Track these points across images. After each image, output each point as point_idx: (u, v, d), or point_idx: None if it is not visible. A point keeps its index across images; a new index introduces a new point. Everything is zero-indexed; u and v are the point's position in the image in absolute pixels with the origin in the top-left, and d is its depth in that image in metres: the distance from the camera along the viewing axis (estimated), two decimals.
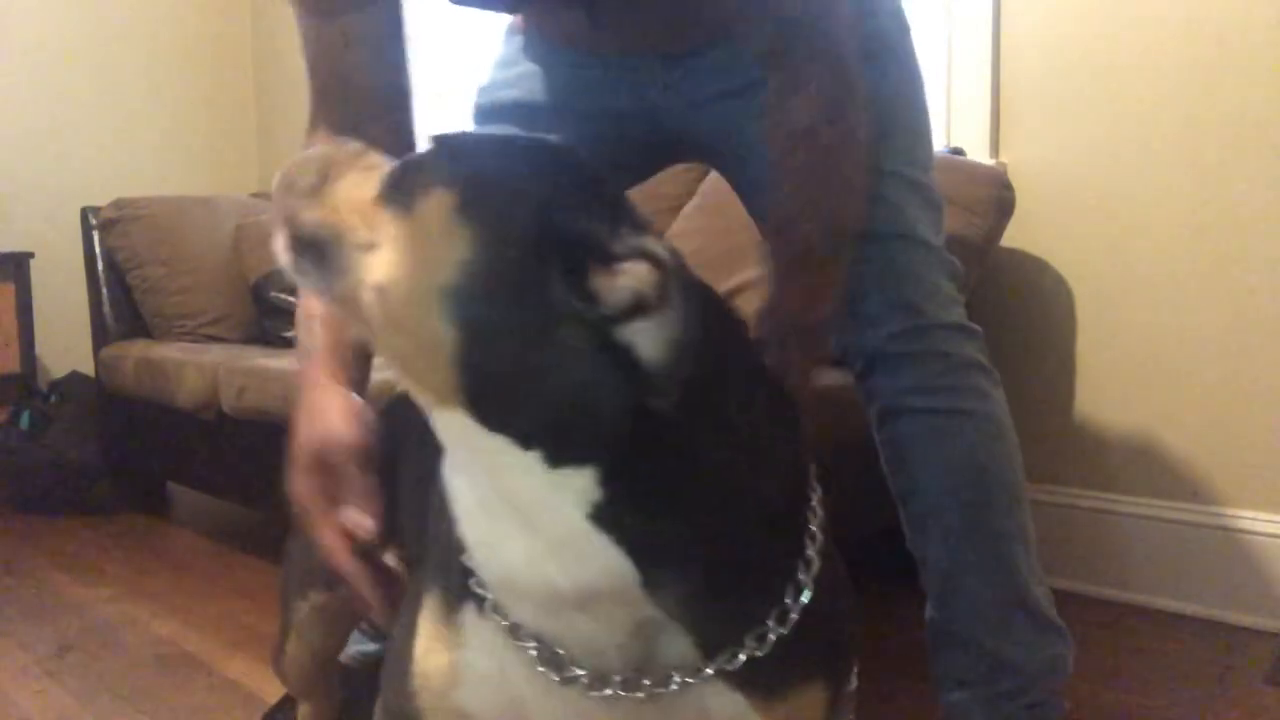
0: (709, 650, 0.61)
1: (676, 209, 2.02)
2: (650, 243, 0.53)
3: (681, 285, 0.52)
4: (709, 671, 0.61)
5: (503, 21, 1.22)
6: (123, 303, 2.74)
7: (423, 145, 0.63)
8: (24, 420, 2.67)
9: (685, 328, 0.52)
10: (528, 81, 1.12)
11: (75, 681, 1.54)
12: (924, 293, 0.98)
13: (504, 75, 1.15)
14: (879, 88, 0.93)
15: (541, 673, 0.62)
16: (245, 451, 2.05)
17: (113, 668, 1.59)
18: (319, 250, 0.61)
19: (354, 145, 0.67)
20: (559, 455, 0.54)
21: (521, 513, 0.57)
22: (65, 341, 3.04)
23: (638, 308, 0.51)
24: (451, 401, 0.56)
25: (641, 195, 1.95)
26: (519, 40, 1.15)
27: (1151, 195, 1.74)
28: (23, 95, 3.22)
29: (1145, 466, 1.77)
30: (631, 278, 0.51)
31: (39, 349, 2.96)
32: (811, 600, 0.63)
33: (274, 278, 2.62)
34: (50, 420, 2.68)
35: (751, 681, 0.63)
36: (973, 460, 0.98)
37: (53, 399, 2.73)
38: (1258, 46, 1.62)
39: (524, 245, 0.54)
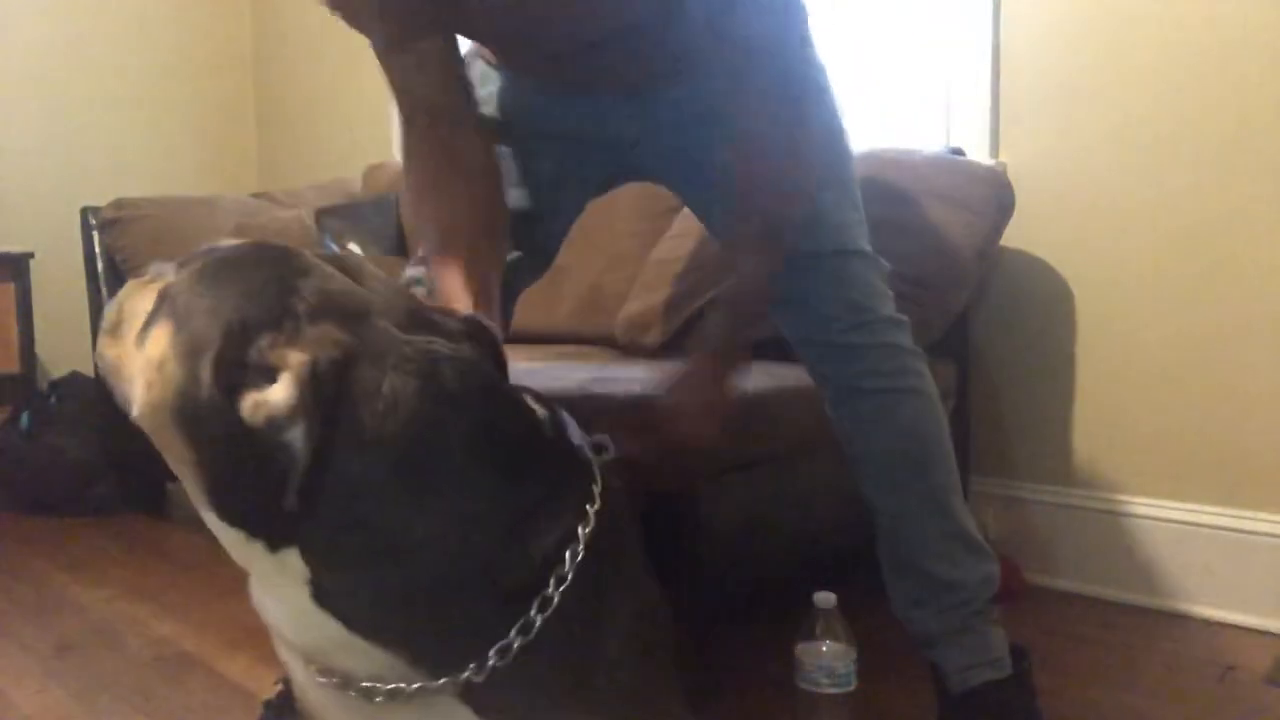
0: (435, 673, 0.68)
1: (677, 208, 2.02)
2: (297, 357, 0.61)
3: (325, 394, 0.61)
4: (435, 684, 0.68)
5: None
6: None
7: None
8: (24, 420, 2.67)
9: (312, 440, 0.60)
10: (500, 100, 1.25)
11: (75, 681, 1.53)
12: (867, 293, 1.16)
13: (477, 94, 1.25)
14: (825, 125, 1.17)
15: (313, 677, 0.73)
16: None
17: (113, 668, 1.59)
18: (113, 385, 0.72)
19: (154, 270, 0.74)
20: (271, 541, 0.65)
21: (269, 590, 0.69)
22: (65, 341, 3.03)
23: (278, 422, 0.61)
24: (205, 506, 0.66)
25: (641, 195, 1.96)
26: (480, 64, 1.26)
27: (1151, 195, 1.74)
28: (23, 95, 3.22)
29: (1145, 466, 1.77)
30: (268, 397, 0.61)
31: (39, 349, 2.96)
32: (561, 637, 0.68)
33: None
34: (50, 420, 2.67)
35: (483, 701, 0.69)
36: (915, 429, 1.17)
37: (53, 399, 2.72)
38: (1258, 47, 1.62)
39: (210, 367, 0.63)
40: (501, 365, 0.82)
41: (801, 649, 1.18)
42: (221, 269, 0.68)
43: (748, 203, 1.05)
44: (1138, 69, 1.74)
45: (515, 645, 0.67)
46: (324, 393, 0.62)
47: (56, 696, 1.48)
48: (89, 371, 2.76)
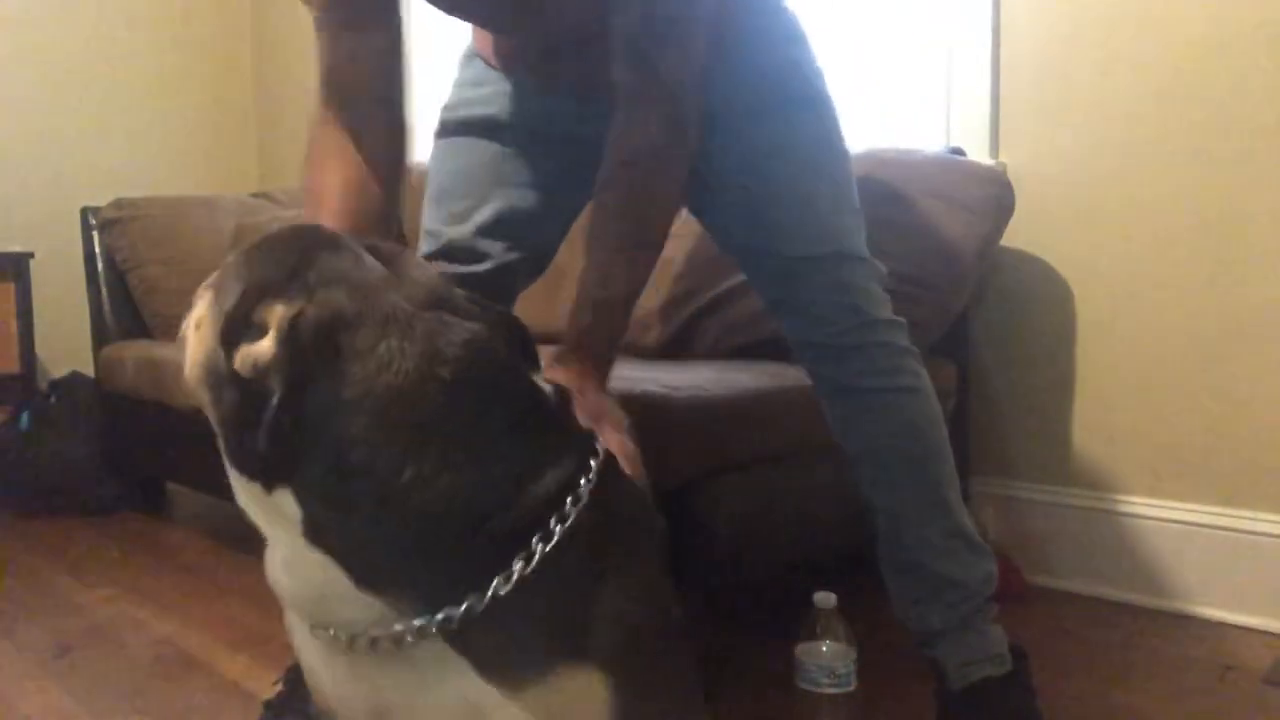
0: (430, 611, 0.69)
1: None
2: (283, 310, 0.66)
3: (304, 342, 0.65)
4: (423, 625, 0.68)
5: (458, 46, 1.33)
6: (123, 303, 2.74)
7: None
8: (24, 420, 2.67)
9: (284, 382, 0.64)
10: (498, 101, 1.25)
11: (75, 681, 1.53)
12: (864, 297, 1.17)
13: (474, 94, 1.27)
14: (825, 129, 1.19)
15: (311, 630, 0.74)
16: None
17: (113, 668, 1.59)
18: None
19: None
20: (265, 482, 0.68)
21: (269, 534, 0.73)
22: (65, 341, 3.04)
23: (261, 369, 0.65)
24: (223, 453, 0.71)
25: None
26: (480, 63, 1.27)
27: (1151, 195, 1.74)
28: (23, 95, 3.22)
29: (1144, 466, 1.77)
30: (255, 349, 0.66)
31: (39, 349, 2.96)
32: (562, 579, 0.70)
33: None
34: (50, 420, 2.68)
35: (475, 649, 0.70)
36: (912, 427, 1.18)
37: (53, 399, 2.72)
38: (1258, 47, 1.62)
39: (221, 326, 0.68)
40: (531, 357, 0.82)
41: (801, 649, 1.18)
42: (262, 244, 0.74)
43: (631, 206, 1.05)
44: (1138, 69, 1.74)
45: (515, 574, 0.68)
46: (303, 341, 0.65)
47: (56, 696, 1.48)
48: (89, 371, 2.76)
